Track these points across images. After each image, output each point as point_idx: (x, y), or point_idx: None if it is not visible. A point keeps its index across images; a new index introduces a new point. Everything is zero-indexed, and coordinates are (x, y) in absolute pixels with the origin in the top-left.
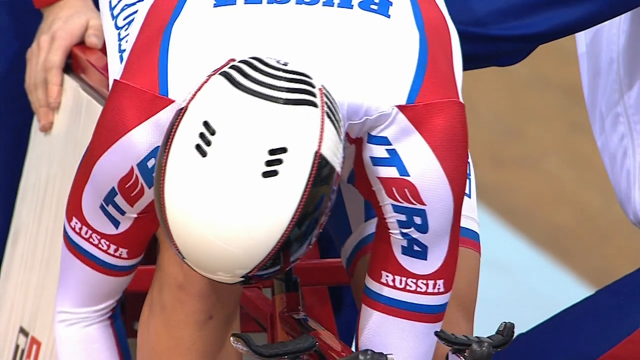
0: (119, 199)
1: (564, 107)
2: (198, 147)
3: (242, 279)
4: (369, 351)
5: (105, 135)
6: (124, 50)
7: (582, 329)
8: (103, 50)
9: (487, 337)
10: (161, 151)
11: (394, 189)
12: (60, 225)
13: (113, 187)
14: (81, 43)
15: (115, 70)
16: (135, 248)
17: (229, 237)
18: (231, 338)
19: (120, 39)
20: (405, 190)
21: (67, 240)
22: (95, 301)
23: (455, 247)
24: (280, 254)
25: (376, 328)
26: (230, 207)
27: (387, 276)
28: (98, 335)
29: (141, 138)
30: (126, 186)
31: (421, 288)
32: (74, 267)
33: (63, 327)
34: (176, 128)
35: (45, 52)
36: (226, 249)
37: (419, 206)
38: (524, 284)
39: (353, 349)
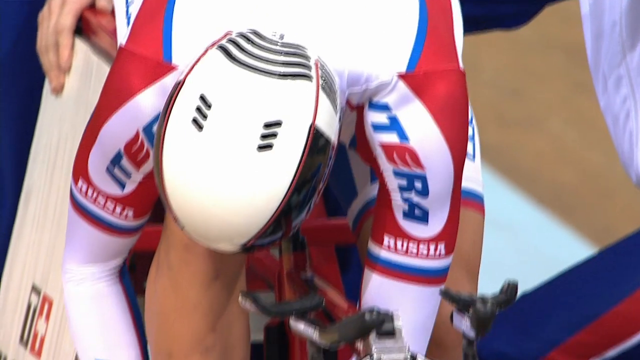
0: (125, 162)
1: (567, 68)
2: (195, 120)
3: (242, 248)
4: (375, 309)
5: (111, 100)
6: (131, 15)
7: (584, 288)
8: (113, 13)
9: (491, 296)
10: (159, 124)
11: (394, 154)
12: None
13: (119, 151)
14: (92, 6)
15: (123, 34)
16: (141, 208)
17: (227, 208)
18: (239, 297)
19: (128, 4)
20: (406, 155)
21: (74, 201)
22: (102, 259)
23: (456, 211)
24: (278, 223)
25: (378, 290)
26: (227, 179)
27: (389, 240)
28: (108, 292)
29: (146, 103)
30: (132, 150)
31: (422, 251)
32: (80, 227)
33: (72, 285)
34: (173, 102)
35: (56, 15)
36: (225, 219)
37: (419, 171)
38: (527, 243)
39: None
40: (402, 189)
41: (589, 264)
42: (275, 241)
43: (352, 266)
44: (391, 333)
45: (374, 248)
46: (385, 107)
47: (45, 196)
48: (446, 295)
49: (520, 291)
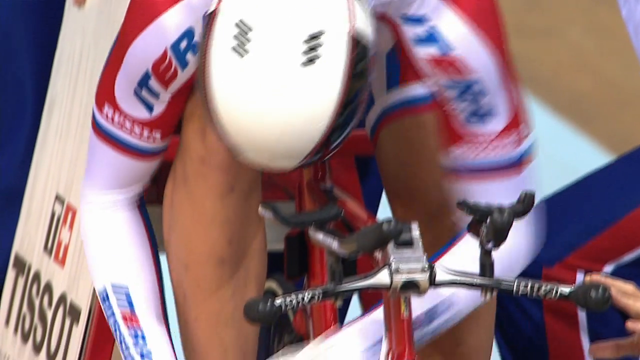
0: (153, 82)
1: None
2: (235, 48)
3: (299, 163)
4: (393, 220)
5: (137, 19)
6: None
7: (601, 194)
8: None
9: (508, 206)
10: (200, 58)
11: (441, 66)
12: (93, 96)
13: (147, 70)
14: None
15: None
16: (168, 128)
17: (284, 130)
18: (259, 207)
19: None
20: (453, 65)
21: (97, 128)
22: (125, 184)
23: (516, 94)
24: (331, 138)
25: (476, 197)
26: (277, 100)
27: (465, 146)
28: (127, 220)
29: (173, 21)
30: (160, 69)
31: (502, 144)
32: (104, 154)
33: (91, 214)
34: (210, 32)
35: None
36: (281, 140)
37: (468, 77)
38: (545, 151)
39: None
40: (456, 97)
41: (605, 171)
42: (325, 155)
43: (371, 176)
44: (409, 243)
45: (452, 159)
46: (420, 19)
47: (69, 107)
48: (463, 205)
49: (537, 198)
